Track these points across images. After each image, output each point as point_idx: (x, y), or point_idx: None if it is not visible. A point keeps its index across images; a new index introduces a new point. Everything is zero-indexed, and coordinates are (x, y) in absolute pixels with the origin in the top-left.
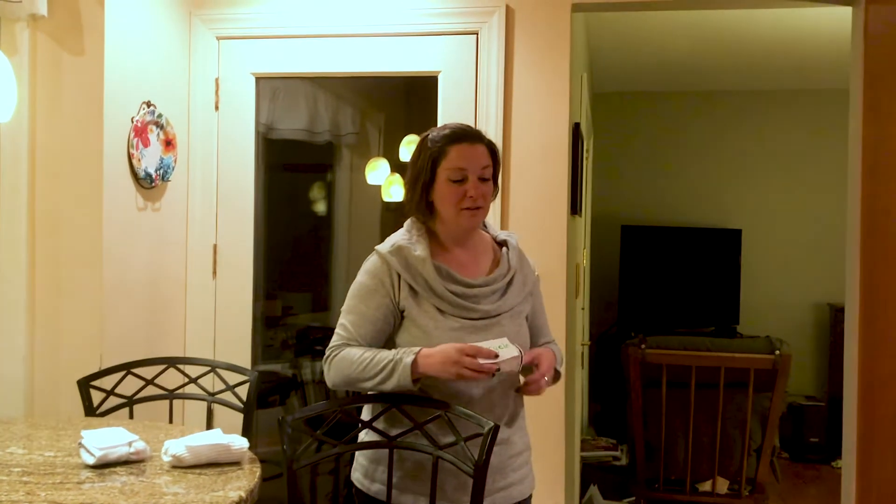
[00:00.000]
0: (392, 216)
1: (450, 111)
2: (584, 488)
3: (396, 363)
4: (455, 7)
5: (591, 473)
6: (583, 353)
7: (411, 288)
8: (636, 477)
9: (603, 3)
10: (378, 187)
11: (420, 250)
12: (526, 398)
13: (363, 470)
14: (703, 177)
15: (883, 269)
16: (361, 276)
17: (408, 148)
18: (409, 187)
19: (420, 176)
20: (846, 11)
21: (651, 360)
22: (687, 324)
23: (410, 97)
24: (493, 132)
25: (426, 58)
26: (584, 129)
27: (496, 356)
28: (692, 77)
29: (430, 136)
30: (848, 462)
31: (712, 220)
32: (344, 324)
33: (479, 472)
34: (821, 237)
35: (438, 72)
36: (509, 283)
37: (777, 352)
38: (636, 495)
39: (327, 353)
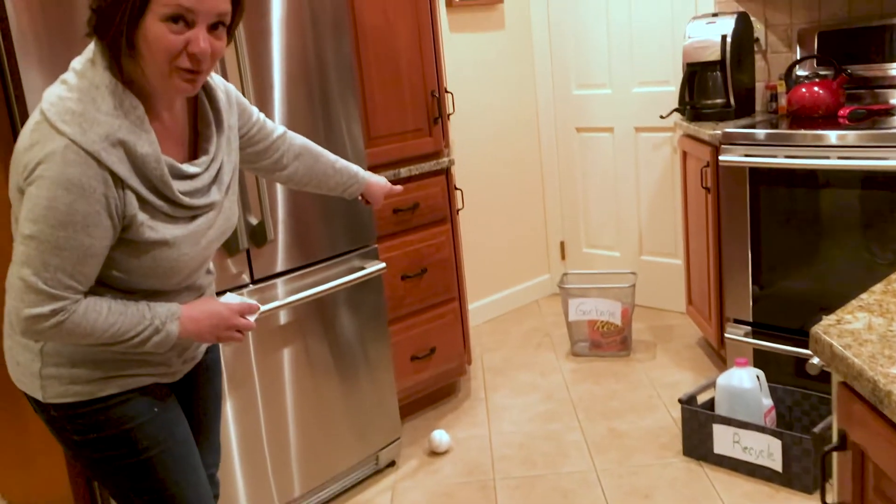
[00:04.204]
0: None
1: None
2: None
3: (156, 330)
4: None
5: None
6: None
7: (137, 195)
8: None
9: None
10: None
11: (146, 142)
12: None
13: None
14: None
15: None
16: (56, 190)
17: None
18: None
19: None
20: None
21: None
22: None
23: None
24: None
25: None
26: None
27: (258, 308)
28: None
29: None
30: None
31: None
32: (58, 265)
33: None
34: None
35: None
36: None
37: None
38: None
39: (49, 313)
